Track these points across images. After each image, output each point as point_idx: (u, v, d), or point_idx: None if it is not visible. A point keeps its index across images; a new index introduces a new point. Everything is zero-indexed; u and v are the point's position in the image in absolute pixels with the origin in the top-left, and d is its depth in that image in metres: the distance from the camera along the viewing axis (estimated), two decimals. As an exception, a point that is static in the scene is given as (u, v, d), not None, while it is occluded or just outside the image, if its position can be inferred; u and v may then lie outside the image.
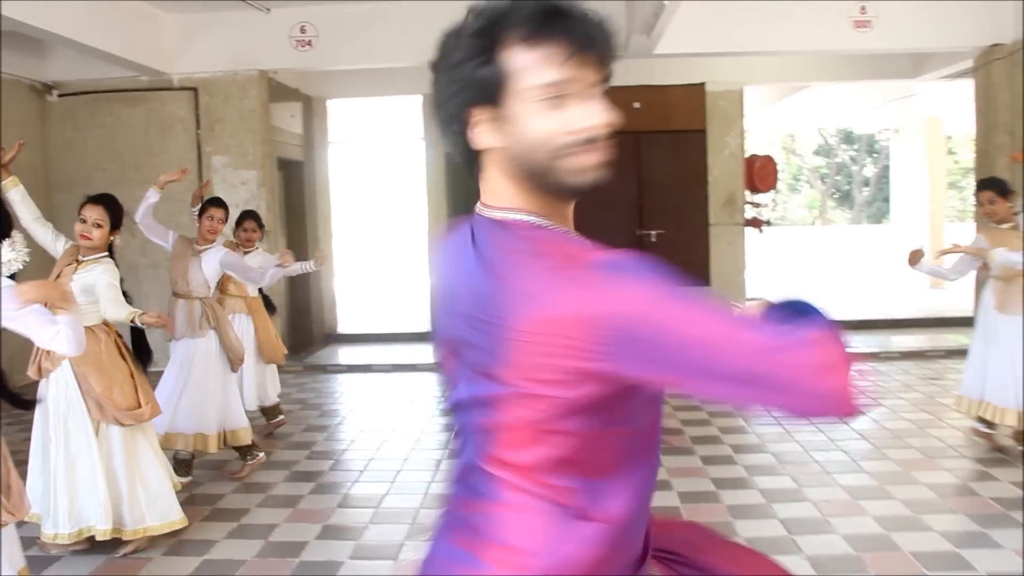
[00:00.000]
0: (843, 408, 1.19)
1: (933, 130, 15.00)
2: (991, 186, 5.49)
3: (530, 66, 1.31)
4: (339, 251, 12.51)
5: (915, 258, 5.53)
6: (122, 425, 4.14)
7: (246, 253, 6.30)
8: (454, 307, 1.40)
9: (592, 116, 1.32)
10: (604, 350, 1.20)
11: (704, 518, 4.52)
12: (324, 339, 11.17)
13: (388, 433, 6.62)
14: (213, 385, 5.38)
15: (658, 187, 10.71)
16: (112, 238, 4.36)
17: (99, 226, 4.26)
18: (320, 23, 8.86)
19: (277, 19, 8.82)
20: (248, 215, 6.60)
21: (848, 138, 41.41)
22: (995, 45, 8.64)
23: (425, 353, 10.04)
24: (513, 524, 1.34)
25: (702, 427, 6.41)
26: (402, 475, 5.53)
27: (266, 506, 4.99)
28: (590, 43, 1.32)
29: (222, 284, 6.17)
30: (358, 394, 8.30)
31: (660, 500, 4.83)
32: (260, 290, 6.55)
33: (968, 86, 9.93)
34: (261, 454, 5.72)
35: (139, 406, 4.19)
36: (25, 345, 3.46)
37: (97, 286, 4.17)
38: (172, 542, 4.41)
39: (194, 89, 9.17)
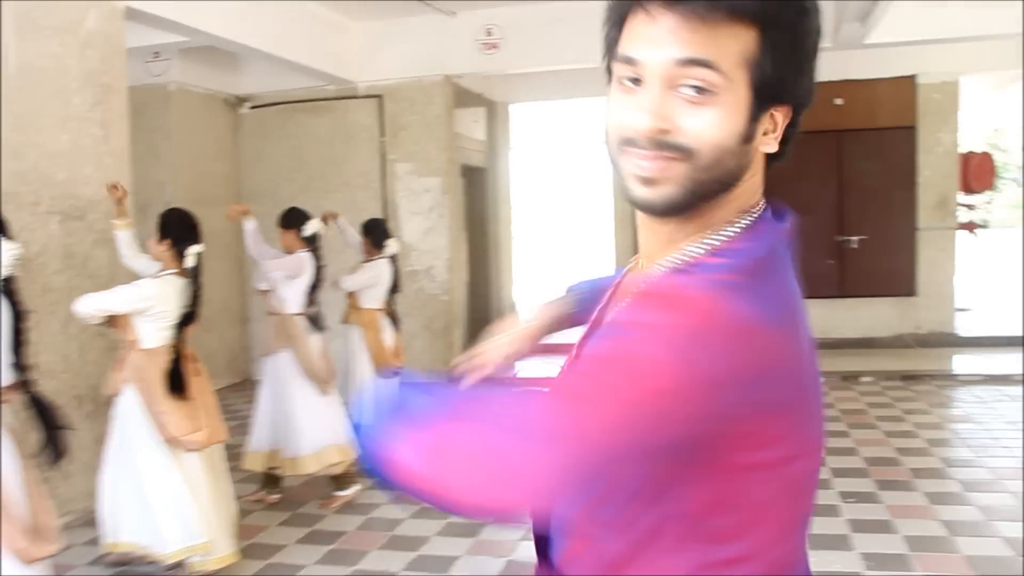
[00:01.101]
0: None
1: None
2: None
3: (624, 35, 1.03)
4: (520, 258, 12.34)
5: None
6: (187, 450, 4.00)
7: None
8: None
9: (627, 112, 1.02)
10: None
11: (937, 570, 3.94)
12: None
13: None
14: (292, 405, 5.14)
15: (861, 189, 9.93)
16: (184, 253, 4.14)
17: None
18: (506, 25, 8.64)
19: (463, 23, 8.67)
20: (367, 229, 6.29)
21: (1062, 132, 38.26)
22: None
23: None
24: None
25: (922, 457, 5.75)
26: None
27: (446, 535, 4.74)
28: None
29: (350, 297, 6.08)
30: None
31: (881, 545, 4.28)
32: (389, 303, 6.25)
33: None
34: (353, 488, 5.32)
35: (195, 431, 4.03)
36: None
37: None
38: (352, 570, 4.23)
39: (379, 96, 9.16)
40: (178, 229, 4.17)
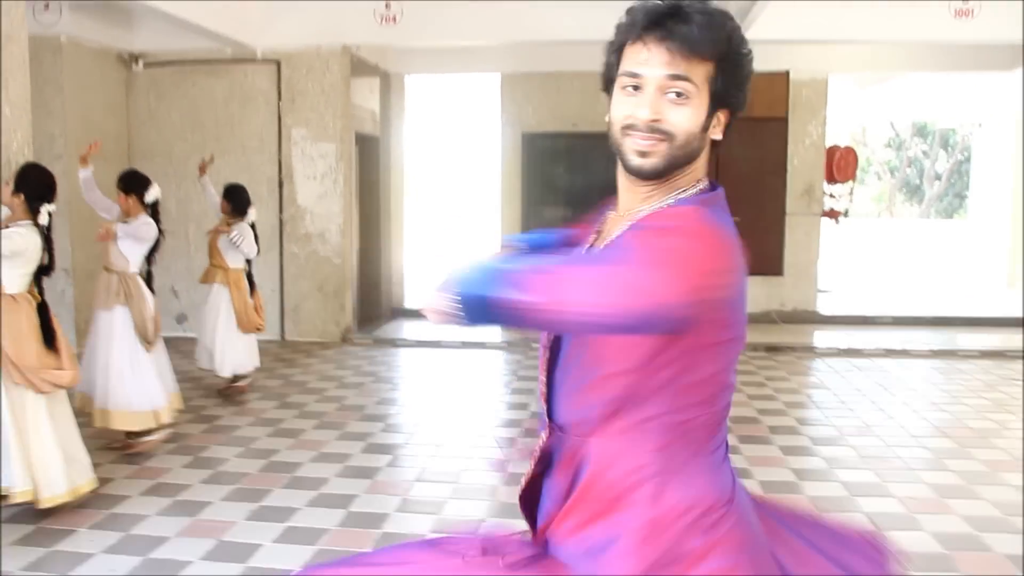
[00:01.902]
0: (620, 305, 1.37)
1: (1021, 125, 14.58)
2: None
3: (625, 58, 1.54)
4: (410, 226, 12.58)
5: None
6: (39, 391, 4.16)
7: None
8: None
9: (628, 106, 1.53)
10: None
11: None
12: (391, 313, 11.26)
13: (462, 407, 6.67)
14: (119, 360, 5.26)
15: (737, 175, 10.51)
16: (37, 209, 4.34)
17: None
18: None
19: (362, -6, 8.85)
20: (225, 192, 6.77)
21: (921, 131, 40.53)
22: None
23: (492, 331, 10.07)
24: None
25: (779, 417, 6.33)
26: (479, 450, 5.55)
27: (345, 476, 5.04)
28: (670, 36, 1.48)
29: (209, 253, 6.75)
30: (430, 368, 8.35)
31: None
32: (249, 263, 6.87)
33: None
34: (153, 437, 5.49)
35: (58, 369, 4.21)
36: None
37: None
38: (256, 507, 4.49)
39: (277, 62, 9.26)
40: (34, 185, 4.39)
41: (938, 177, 42.24)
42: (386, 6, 8.86)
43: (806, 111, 10.60)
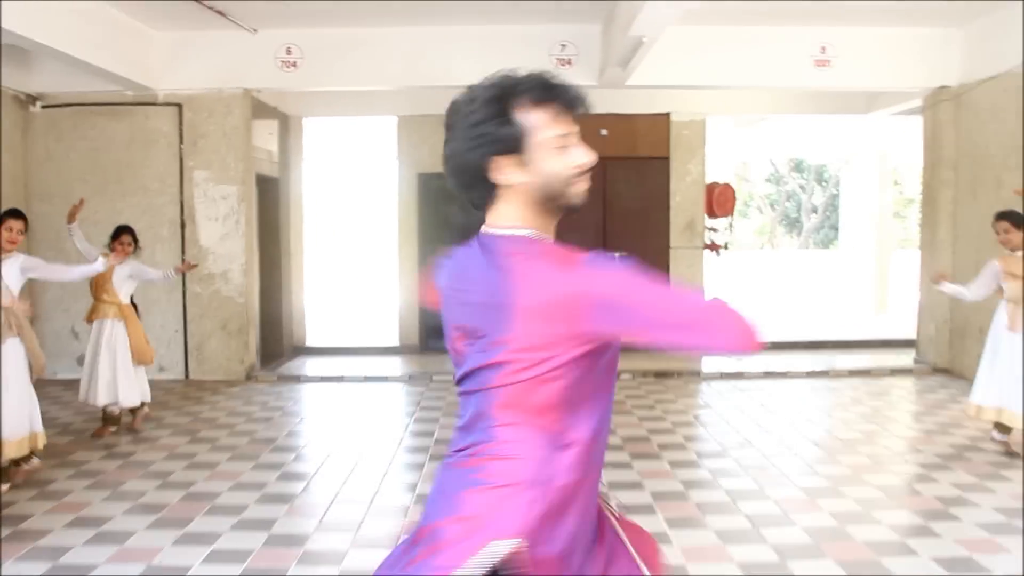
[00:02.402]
0: (749, 342, 1.71)
1: (882, 162, 15.73)
2: (1008, 217, 6.06)
3: (542, 123, 1.81)
4: (310, 266, 12.80)
5: (939, 279, 6.61)
6: None
7: (121, 263, 7.01)
8: (466, 300, 1.86)
9: (586, 155, 1.86)
10: (591, 316, 1.69)
11: (675, 514, 4.93)
12: (293, 351, 11.44)
13: (370, 435, 6.95)
14: (8, 391, 5.48)
15: (623, 211, 11.19)
16: None
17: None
18: (305, 46, 9.21)
19: (264, 40, 9.15)
20: (123, 230, 7.11)
21: (798, 167, 42.55)
22: (942, 87, 9.28)
23: (393, 366, 10.38)
24: (512, 446, 1.78)
25: (668, 435, 6.83)
26: (390, 474, 5.85)
27: (263, 502, 5.27)
28: (578, 103, 1.86)
29: (96, 291, 6.98)
30: (334, 402, 8.59)
31: (633, 498, 5.22)
32: (132, 298, 7.22)
33: (915, 122, 10.58)
34: (36, 460, 5.80)
35: None
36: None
37: None
38: (181, 534, 4.69)
39: (179, 105, 9.45)
40: None
41: (814, 210, 44.41)
42: (287, 51, 9.19)
43: (686, 150, 11.30)
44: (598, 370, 1.81)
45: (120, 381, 6.88)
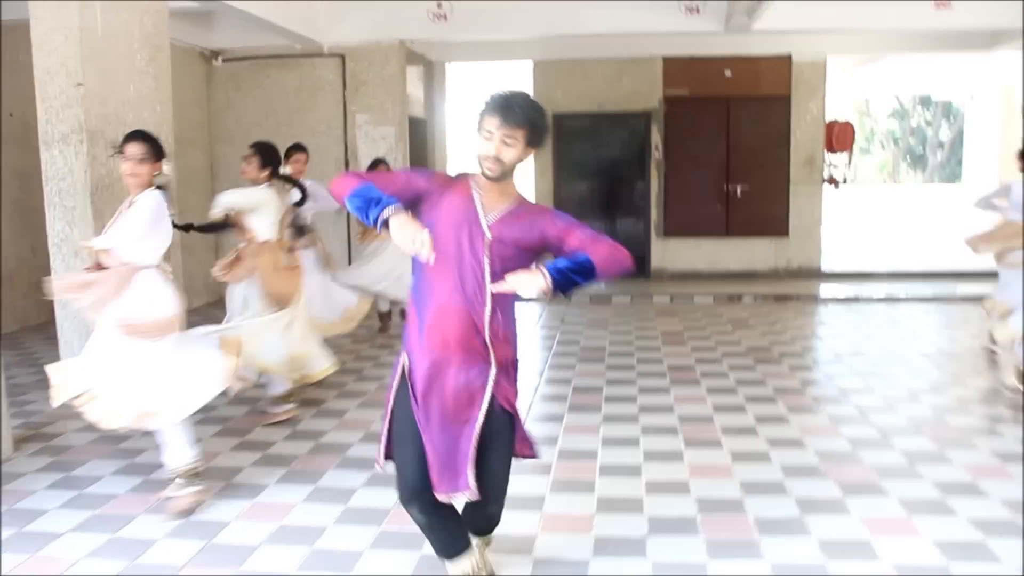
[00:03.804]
0: (627, 258, 2.92)
1: (1007, 98, 15.76)
2: None
3: (482, 122, 2.89)
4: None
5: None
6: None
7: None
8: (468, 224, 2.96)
9: (487, 149, 2.87)
10: (556, 234, 2.93)
11: (794, 402, 5.81)
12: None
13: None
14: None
15: (745, 148, 11.85)
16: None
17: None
18: (454, -1, 10.16)
19: (417, -5, 10.13)
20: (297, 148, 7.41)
21: (925, 102, 41.59)
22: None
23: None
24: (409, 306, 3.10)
25: (787, 345, 7.66)
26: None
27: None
28: (505, 115, 2.84)
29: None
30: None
31: (757, 392, 6.10)
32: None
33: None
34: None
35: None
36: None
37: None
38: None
39: (342, 56, 10.54)
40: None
41: (941, 145, 43.39)
42: (438, 5, 10.12)
43: (807, 90, 11.85)
44: (421, 277, 2.96)
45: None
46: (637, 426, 5.39)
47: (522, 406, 5.76)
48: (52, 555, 3.70)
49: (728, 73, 11.54)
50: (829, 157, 12.33)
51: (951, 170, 43.20)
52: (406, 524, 3.75)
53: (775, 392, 6.14)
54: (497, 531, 3.38)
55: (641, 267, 12.26)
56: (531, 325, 9.15)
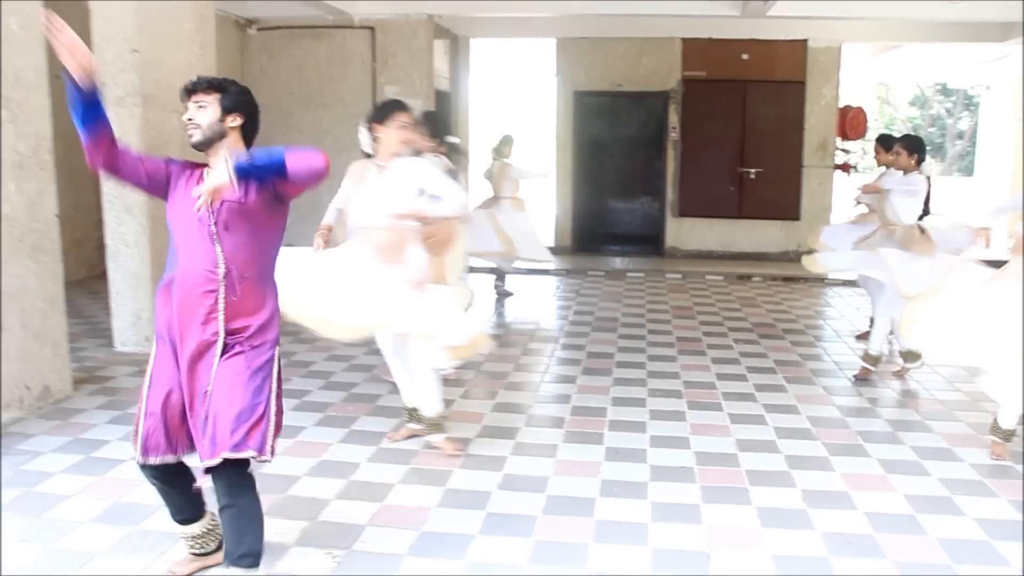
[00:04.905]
0: (324, 161, 2.84)
1: (1019, 91, 15.95)
2: None
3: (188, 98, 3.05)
4: (474, 173, 14.30)
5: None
6: None
7: None
8: None
9: (187, 114, 2.99)
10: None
11: (793, 374, 6.20)
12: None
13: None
14: None
15: (759, 131, 12.18)
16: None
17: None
18: (482, -26, 10.51)
19: (446, -29, 10.48)
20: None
21: (944, 91, 41.52)
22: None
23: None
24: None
25: (791, 323, 8.04)
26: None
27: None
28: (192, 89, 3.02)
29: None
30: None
31: (759, 363, 6.49)
32: None
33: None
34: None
35: None
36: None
37: None
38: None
39: (372, 28, 10.90)
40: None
41: (959, 136, 43.34)
42: (466, -21, 10.48)
43: (821, 75, 12.15)
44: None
45: None
46: (645, 388, 5.82)
47: (538, 368, 6.25)
48: (116, 476, 4.17)
49: (745, 56, 11.85)
50: (842, 143, 12.62)
51: (970, 161, 43.11)
52: (435, 463, 4.32)
53: (775, 364, 6.55)
54: (513, 470, 3.80)
55: (656, 245, 12.67)
56: (548, 297, 9.56)
